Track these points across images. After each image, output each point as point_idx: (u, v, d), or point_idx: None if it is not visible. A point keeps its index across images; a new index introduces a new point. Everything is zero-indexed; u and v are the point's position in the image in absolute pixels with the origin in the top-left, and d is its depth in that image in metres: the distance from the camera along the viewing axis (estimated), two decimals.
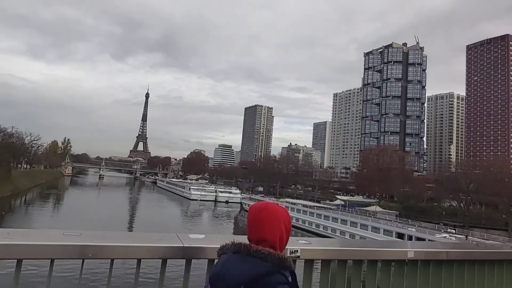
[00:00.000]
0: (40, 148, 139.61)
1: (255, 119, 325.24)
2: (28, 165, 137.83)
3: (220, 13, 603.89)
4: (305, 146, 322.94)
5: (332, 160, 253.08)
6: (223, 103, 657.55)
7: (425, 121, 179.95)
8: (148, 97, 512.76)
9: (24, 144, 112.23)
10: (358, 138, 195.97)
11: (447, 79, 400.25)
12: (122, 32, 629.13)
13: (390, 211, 77.24)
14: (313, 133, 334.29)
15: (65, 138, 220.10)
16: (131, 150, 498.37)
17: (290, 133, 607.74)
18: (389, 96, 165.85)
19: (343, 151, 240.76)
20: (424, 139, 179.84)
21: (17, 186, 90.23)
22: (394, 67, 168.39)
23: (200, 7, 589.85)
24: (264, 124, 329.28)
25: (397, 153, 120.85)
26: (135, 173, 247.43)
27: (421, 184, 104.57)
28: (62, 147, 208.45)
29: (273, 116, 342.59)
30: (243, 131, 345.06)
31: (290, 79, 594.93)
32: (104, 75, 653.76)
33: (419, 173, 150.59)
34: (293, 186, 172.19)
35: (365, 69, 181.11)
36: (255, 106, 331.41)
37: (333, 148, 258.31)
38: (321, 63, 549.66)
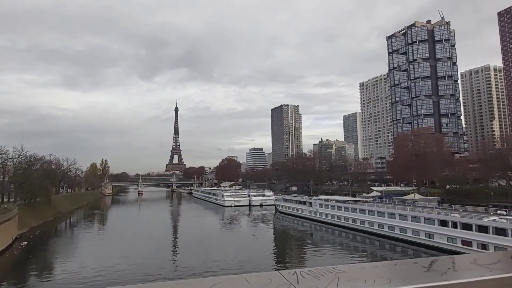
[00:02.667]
0: (78, 171, 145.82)
1: (283, 119, 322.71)
2: (69, 189, 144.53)
3: (238, 20, 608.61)
4: (337, 140, 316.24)
5: (366, 151, 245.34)
6: (250, 108, 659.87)
7: (460, 99, 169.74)
8: (177, 111, 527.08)
9: (61, 169, 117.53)
10: (391, 125, 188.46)
11: (479, 53, 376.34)
12: (147, 53, 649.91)
13: (431, 197, 72.69)
14: (344, 126, 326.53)
15: (102, 159, 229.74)
16: (167, 164, 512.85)
17: (320, 129, 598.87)
18: (418, 78, 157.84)
19: (376, 140, 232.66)
20: (462, 118, 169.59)
21: (59, 210, 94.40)
22: (420, 47, 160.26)
23: (218, 18, 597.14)
24: (292, 123, 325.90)
25: (433, 136, 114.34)
26: (172, 186, 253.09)
27: (464, 166, 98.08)
28: (101, 168, 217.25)
29: (300, 114, 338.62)
30: (272, 132, 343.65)
31: (314, 75, 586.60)
32: (134, 96, 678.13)
33: (461, 155, 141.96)
34: (328, 182, 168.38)
35: (389, 53, 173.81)
36: (281, 106, 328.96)
37: (365, 139, 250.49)
38: (344, 56, 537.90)
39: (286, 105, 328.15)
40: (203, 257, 43.51)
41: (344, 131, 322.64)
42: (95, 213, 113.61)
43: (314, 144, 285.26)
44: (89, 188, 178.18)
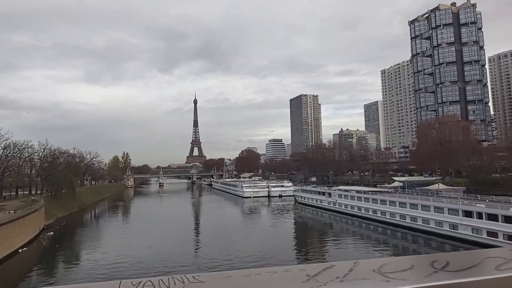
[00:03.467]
0: (101, 164, 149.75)
1: (302, 109, 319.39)
2: (93, 181, 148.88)
3: (256, 10, 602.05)
4: (358, 130, 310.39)
5: (389, 140, 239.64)
6: (269, 99, 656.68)
7: (488, 84, 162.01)
8: (196, 103, 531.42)
9: (84, 162, 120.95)
10: (414, 113, 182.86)
11: (508, 36, 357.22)
12: (166, 46, 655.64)
13: (456, 187, 70.09)
14: (365, 115, 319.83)
15: (124, 152, 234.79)
16: (187, 156, 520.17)
17: (341, 119, 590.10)
18: (443, 63, 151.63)
19: (399, 129, 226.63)
20: (490, 104, 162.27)
21: (83, 202, 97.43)
22: (444, 31, 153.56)
23: (235, 7, 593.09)
24: (311, 113, 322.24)
25: (459, 124, 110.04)
26: (192, 178, 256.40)
27: (492, 154, 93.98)
28: (123, 161, 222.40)
29: (319, 104, 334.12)
30: (291, 123, 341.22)
31: (334, 64, 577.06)
32: (154, 89, 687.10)
33: (489, 143, 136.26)
34: (348, 172, 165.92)
35: (411, 38, 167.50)
36: (300, 96, 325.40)
37: (388, 128, 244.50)
38: (365, 43, 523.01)
39: (304, 95, 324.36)
40: (223, 248, 43.47)
41: (365, 120, 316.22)
42: (118, 205, 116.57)
43: (334, 134, 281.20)
44: (112, 181, 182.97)
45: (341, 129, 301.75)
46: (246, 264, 36.36)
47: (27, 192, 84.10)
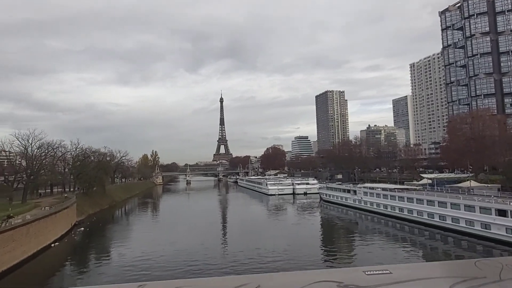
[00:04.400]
0: (130, 162, 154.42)
1: (328, 106, 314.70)
2: (123, 179, 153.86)
3: (280, 7, 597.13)
4: (386, 125, 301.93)
5: (418, 136, 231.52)
6: (295, 96, 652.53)
7: None
8: (222, 101, 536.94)
9: (114, 161, 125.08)
10: (445, 108, 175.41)
11: None
12: (192, 46, 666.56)
13: (490, 185, 66.64)
14: (393, 110, 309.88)
15: (153, 150, 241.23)
16: (214, 154, 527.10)
17: (369, 115, 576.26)
18: (477, 55, 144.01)
19: (430, 124, 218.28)
20: None
21: (113, 199, 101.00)
22: (478, 20, 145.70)
23: (260, 6, 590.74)
24: (337, 110, 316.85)
25: (495, 118, 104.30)
26: (218, 175, 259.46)
27: None
28: (152, 159, 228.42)
29: (346, 100, 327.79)
30: (317, 120, 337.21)
31: (361, 59, 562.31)
32: (182, 88, 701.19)
33: None
34: (376, 169, 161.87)
35: (442, 30, 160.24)
36: (326, 92, 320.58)
37: (417, 124, 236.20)
38: (393, 36, 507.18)
39: (330, 91, 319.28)
40: (246, 247, 43.37)
41: (394, 116, 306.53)
42: (147, 202, 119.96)
43: (361, 131, 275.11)
44: (141, 178, 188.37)
45: (369, 125, 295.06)
46: (268, 263, 36.18)
47: (61, 189, 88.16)
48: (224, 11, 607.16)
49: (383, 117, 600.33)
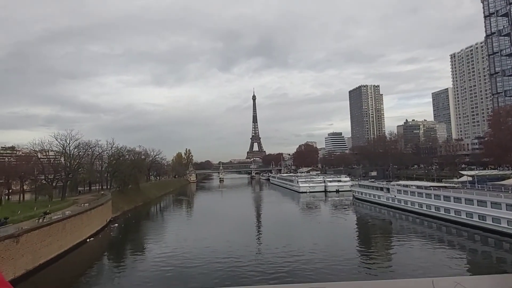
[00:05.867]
0: (163, 160, 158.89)
1: (362, 101, 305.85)
2: (158, 177, 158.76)
3: (310, 3, 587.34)
4: (425, 120, 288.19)
5: (461, 131, 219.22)
6: (328, 92, 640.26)
7: None
8: (255, 99, 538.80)
9: (149, 159, 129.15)
10: (490, 100, 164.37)
11: None
12: (224, 46, 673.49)
13: None
14: (433, 104, 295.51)
15: (186, 149, 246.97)
16: (247, 151, 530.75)
17: (407, 109, 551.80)
18: None
19: (473, 118, 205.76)
20: None
21: (148, 196, 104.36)
22: None
23: (290, 3, 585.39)
24: (372, 105, 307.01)
25: None
26: (251, 173, 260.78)
27: None
28: (185, 157, 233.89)
29: (381, 94, 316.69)
30: (350, 115, 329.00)
31: (397, 52, 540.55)
32: (215, 87, 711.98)
33: None
34: (414, 166, 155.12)
35: (485, 17, 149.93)
36: (359, 87, 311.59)
37: (459, 117, 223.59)
38: (431, 27, 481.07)
39: (364, 86, 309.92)
40: (275, 246, 42.68)
41: (434, 110, 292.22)
42: (180, 199, 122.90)
43: (398, 126, 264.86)
44: (175, 176, 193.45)
45: (406, 120, 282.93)
46: (296, 268, 35.14)
47: (99, 187, 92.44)
48: (255, 9, 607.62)
49: (422, 112, 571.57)
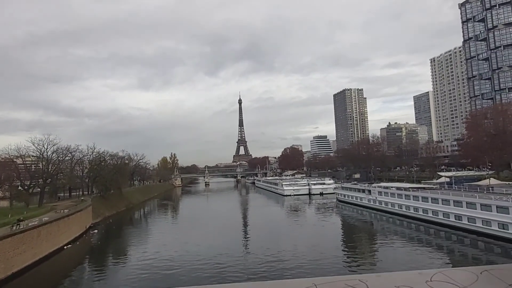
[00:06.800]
0: (147, 165, 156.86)
1: (346, 104, 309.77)
2: (142, 182, 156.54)
3: (297, 9, 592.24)
4: (407, 123, 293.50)
5: (441, 133, 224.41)
6: (314, 95, 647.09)
7: None
8: (241, 103, 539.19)
9: (131, 163, 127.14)
10: (468, 103, 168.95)
11: None
12: (211, 50, 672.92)
13: None
14: (415, 107, 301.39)
15: (171, 153, 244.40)
16: (234, 155, 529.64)
17: (391, 112, 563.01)
18: (500, 47, 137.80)
19: (452, 121, 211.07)
20: None
21: (131, 201, 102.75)
22: (501, 11, 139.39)
23: (276, 8, 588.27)
24: (356, 108, 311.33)
25: None
26: (237, 176, 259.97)
27: None
28: (171, 161, 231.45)
29: (365, 98, 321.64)
30: (335, 118, 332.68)
31: (381, 56, 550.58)
32: (201, 91, 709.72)
33: None
34: (397, 168, 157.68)
35: (463, 22, 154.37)
36: (343, 91, 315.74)
37: (439, 120, 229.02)
38: (413, 32, 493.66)
39: (348, 89, 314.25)
40: (258, 251, 42.25)
41: (416, 113, 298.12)
42: (164, 204, 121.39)
43: (381, 129, 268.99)
44: (160, 181, 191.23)
45: (389, 122, 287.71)
46: (278, 267, 35.41)
47: (80, 192, 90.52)
48: (242, 14, 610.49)
49: (405, 115, 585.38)
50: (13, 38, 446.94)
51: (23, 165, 72.53)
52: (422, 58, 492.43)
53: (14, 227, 38.47)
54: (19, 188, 66.98)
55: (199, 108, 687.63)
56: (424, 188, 63.20)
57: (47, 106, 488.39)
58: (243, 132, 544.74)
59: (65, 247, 48.33)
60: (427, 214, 54.34)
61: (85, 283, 35.35)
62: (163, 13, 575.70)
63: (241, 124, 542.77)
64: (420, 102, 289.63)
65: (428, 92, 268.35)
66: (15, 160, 69.55)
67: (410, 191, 60.78)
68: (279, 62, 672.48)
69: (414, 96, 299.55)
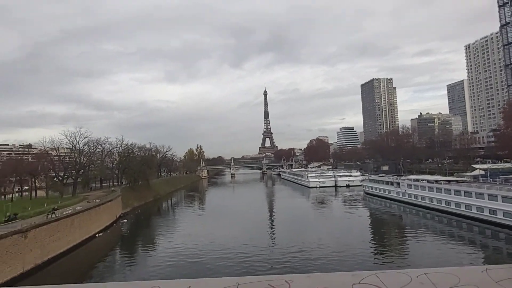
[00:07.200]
0: (174, 157, 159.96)
1: (374, 94, 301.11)
2: (169, 173, 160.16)
3: None
4: (440, 113, 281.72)
5: (476, 123, 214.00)
6: (340, 86, 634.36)
7: None
8: (266, 94, 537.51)
9: (158, 155, 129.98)
10: (506, 91, 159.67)
11: None
12: (236, 42, 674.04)
13: None
14: (448, 97, 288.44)
15: (198, 145, 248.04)
16: (259, 147, 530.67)
17: (422, 102, 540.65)
18: None
19: (489, 110, 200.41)
20: None
21: (158, 192, 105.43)
22: None
23: None
24: (385, 98, 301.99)
25: None
26: (263, 168, 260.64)
27: None
28: (197, 153, 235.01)
29: (394, 88, 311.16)
30: (362, 109, 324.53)
31: (411, 44, 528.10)
32: (226, 83, 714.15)
33: None
34: (429, 160, 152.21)
35: (499, 6, 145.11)
36: (372, 80, 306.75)
37: (475, 110, 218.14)
38: (445, 18, 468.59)
39: (377, 79, 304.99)
40: (282, 244, 42.10)
41: (449, 102, 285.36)
42: (190, 195, 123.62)
43: (412, 119, 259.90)
44: (187, 172, 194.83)
45: (420, 113, 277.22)
46: (299, 260, 35.23)
47: (111, 183, 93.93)
48: (266, 4, 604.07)
49: (438, 105, 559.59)
50: (47, 35, 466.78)
51: (57, 157, 76.05)
52: (455, 45, 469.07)
53: (50, 216, 40.40)
54: (54, 178, 70.32)
55: (224, 100, 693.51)
56: (456, 181, 60.58)
57: (80, 100, 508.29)
58: (268, 124, 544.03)
59: (97, 235, 50.37)
60: (460, 208, 52.09)
61: (117, 268, 36.80)
62: (186, 6, 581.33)
63: (266, 115, 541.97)
64: (454, 91, 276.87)
65: (462, 80, 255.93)
66: (50, 152, 72.95)
67: (441, 184, 58.44)
68: (304, 53, 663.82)
69: (447, 85, 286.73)
